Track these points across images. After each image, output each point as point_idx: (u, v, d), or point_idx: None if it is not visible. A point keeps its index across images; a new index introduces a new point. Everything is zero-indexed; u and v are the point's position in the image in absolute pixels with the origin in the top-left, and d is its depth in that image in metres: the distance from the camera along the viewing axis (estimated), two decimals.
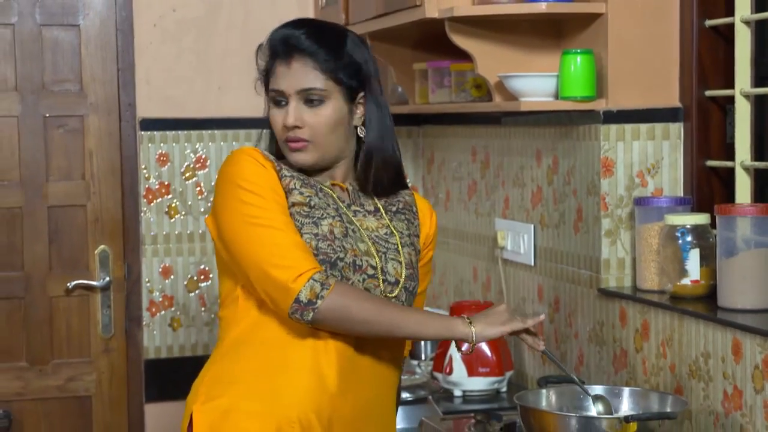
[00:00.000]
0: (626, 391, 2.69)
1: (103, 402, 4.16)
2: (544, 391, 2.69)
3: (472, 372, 3.30)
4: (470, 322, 2.34)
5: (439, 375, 3.36)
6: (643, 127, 3.01)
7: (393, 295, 2.41)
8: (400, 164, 2.55)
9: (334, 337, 2.36)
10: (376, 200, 2.51)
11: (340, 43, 2.46)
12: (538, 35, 3.21)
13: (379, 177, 2.49)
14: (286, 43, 2.44)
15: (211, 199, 4.15)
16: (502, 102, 3.19)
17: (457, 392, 3.32)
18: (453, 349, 3.30)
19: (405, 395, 3.13)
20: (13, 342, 4.09)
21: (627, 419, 2.43)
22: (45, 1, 4.08)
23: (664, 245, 2.84)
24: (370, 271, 2.41)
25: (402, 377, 3.31)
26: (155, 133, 4.13)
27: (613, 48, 3.00)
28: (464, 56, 3.26)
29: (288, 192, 2.40)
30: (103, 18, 4.12)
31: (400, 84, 3.79)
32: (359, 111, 2.48)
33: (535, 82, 3.06)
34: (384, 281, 2.41)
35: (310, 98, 2.42)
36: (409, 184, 4.27)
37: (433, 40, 3.49)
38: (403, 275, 2.44)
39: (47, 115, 4.10)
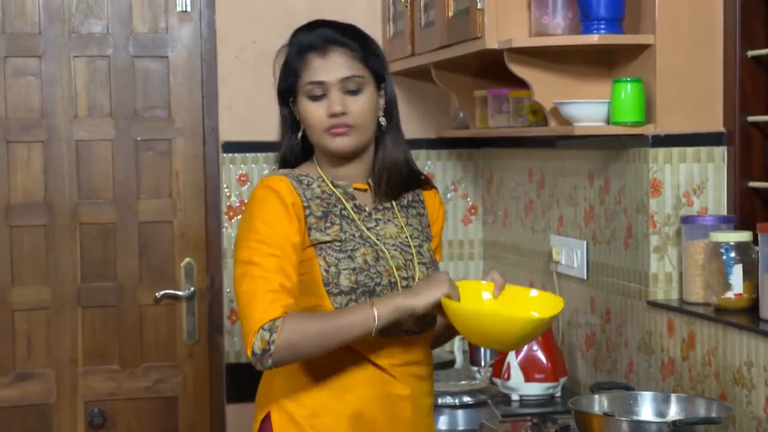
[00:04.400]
0: (674, 397, 2.66)
1: (188, 402, 4.20)
2: (596, 396, 2.67)
3: (528, 378, 3.28)
4: (372, 305, 2.26)
5: (497, 380, 3.35)
6: (689, 151, 2.99)
7: None
8: (412, 159, 2.52)
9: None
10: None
11: (363, 34, 2.45)
12: (591, 64, 3.19)
13: (399, 169, 2.45)
14: (321, 37, 2.39)
15: None
16: (557, 126, 3.18)
17: (515, 396, 3.30)
18: (511, 356, 3.29)
19: (466, 399, 3.12)
20: (106, 347, 4.14)
21: (675, 423, 2.41)
22: (137, 35, 4.14)
23: (709, 261, 2.81)
24: (403, 283, 2.39)
25: (462, 383, 3.31)
26: (236, 155, 4.16)
27: (661, 76, 2.98)
28: (522, 84, 3.25)
29: (312, 229, 2.35)
30: (189, 50, 4.17)
31: (462, 109, 3.78)
32: (381, 101, 2.46)
33: (588, 108, 3.04)
34: (414, 283, 2.41)
35: (349, 87, 2.37)
36: (469, 203, 4.28)
37: (492, 69, 3.49)
38: (428, 274, 2.43)
39: (138, 138, 4.15)
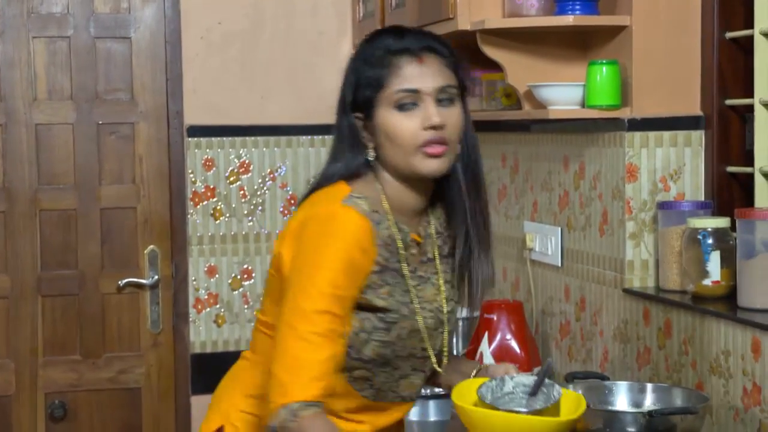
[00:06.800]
0: (650, 386, 2.65)
1: (152, 393, 4.16)
2: (571, 386, 2.66)
3: None
4: None
5: None
6: (666, 135, 2.97)
7: (436, 364, 2.28)
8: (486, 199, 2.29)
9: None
10: (435, 242, 2.26)
11: (449, 44, 2.22)
12: (566, 46, 3.18)
13: (474, 198, 2.23)
14: (415, 41, 2.15)
15: (254, 201, 4.16)
16: (531, 110, 3.16)
17: None
18: (484, 345, 3.28)
19: (437, 389, 3.09)
20: (67, 336, 4.10)
21: (651, 414, 2.40)
22: (99, 15, 4.09)
23: (687, 247, 2.81)
24: (420, 354, 2.23)
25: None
26: (201, 139, 4.12)
27: (637, 59, 2.97)
28: (495, 66, 3.24)
29: (370, 287, 2.12)
30: (152, 31, 4.12)
31: None
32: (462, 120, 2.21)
33: (563, 92, 3.03)
34: (434, 354, 2.25)
35: (443, 98, 2.13)
36: None
37: (465, 51, 3.45)
38: (446, 341, 2.28)
39: (100, 122, 4.11)
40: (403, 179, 2.18)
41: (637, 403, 2.62)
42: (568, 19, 2.99)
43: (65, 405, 4.09)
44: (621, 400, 2.64)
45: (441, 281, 2.26)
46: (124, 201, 4.13)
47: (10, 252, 4.05)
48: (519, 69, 3.17)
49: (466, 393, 2.24)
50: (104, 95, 4.11)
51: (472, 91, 3.47)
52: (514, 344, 3.27)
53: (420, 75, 2.13)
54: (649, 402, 2.62)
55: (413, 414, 3.10)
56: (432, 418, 3.11)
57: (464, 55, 2.26)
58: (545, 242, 3.40)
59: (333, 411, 2.16)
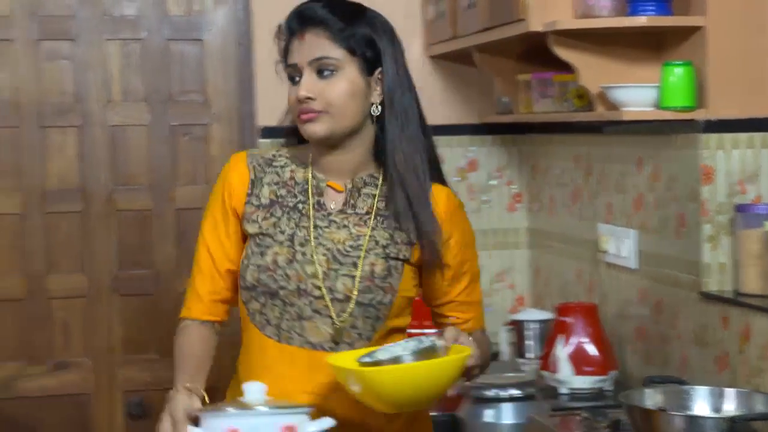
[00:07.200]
0: (730, 391, 2.62)
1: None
2: (649, 390, 2.64)
3: (578, 371, 3.25)
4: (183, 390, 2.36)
5: (545, 373, 3.31)
6: (743, 136, 2.94)
7: (347, 312, 2.25)
8: (431, 153, 2.33)
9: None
10: (376, 201, 2.31)
11: (356, 14, 2.27)
12: (639, 47, 3.15)
13: (398, 161, 2.26)
14: (300, 17, 2.26)
15: None
16: (605, 111, 3.13)
17: (563, 390, 3.27)
18: (558, 347, 3.26)
19: (513, 392, 3.08)
20: (144, 335, 4.14)
21: (733, 420, 2.37)
22: (171, 17, 4.12)
23: (766, 250, 2.77)
24: (317, 293, 2.25)
25: (509, 375, 3.27)
26: (275, 141, 4.11)
27: (712, 59, 2.93)
28: (567, 67, 3.21)
29: (245, 218, 2.31)
30: (225, 33, 4.14)
31: (505, 94, 3.74)
32: (378, 89, 2.27)
33: (637, 93, 3.00)
34: (332, 300, 2.25)
35: (322, 68, 2.23)
36: (514, 190, 4.22)
37: (536, 52, 3.44)
38: (356, 290, 2.24)
39: (174, 123, 4.14)
40: (316, 142, 2.30)
41: (716, 409, 2.59)
42: (642, 20, 2.96)
43: (143, 403, 4.13)
44: (700, 405, 2.61)
45: (367, 234, 2.28)
46: (198, 201, 4.14)
47: (87, 252, 4.10)
48: (591, 70, 3.14)
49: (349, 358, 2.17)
50: (177, 97, 4.13)
51: (545, 93, 3.45)
52: (589, 347, 3.25)
53: (299, 50, 2.26)
54: (729, 407, 2.58)
55: (487, 416, 3.09)
56: (505, 420, 3.10)
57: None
58: (619, 244, 3.36)
59: (272, 372, 2.31)
